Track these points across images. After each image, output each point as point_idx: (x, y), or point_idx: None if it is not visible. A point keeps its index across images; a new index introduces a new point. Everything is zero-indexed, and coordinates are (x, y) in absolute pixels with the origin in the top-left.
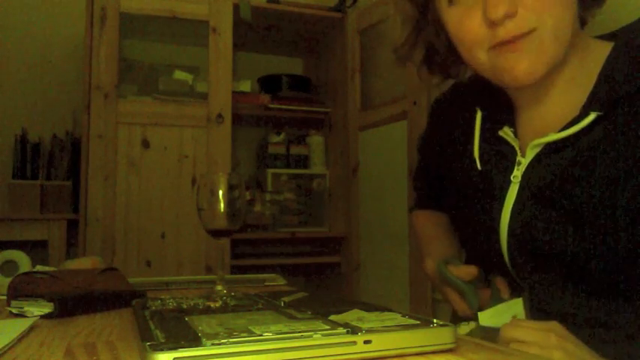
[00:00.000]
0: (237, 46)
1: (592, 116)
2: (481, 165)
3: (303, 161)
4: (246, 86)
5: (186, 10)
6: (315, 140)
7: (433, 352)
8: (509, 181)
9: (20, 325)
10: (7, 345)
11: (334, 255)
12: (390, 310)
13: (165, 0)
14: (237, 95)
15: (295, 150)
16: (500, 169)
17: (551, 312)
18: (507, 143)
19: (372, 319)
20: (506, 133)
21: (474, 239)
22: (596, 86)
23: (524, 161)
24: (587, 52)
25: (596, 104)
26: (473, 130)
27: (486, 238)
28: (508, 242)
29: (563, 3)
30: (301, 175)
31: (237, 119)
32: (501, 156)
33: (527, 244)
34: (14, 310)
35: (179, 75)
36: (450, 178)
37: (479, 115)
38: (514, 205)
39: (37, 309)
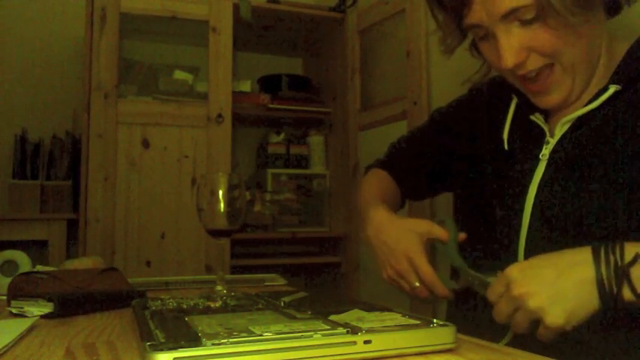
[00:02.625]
0: (237, 46)
1: (611, 90)
2: (508, 145)
3: (303, 161)
4: (246, 86)
5: (186, 10)
6: (315, 140)
7: (433, 352)
8: (538, 160)
9: (20, 325)
10: (7, 345)
11: (334, 255)
12: (390, 310)
13: (165, 0)
14: (237, 95)
15: (295, 150)
16: (529, 150)
17: None
18: (537, 126)
19: (372, 319)
20: (537, 117)
21: (492, 216)
22: (618, 66)
23: (552, 140)
24: (613, 51)
25: (616, 80)
26: (506, 116)
27: (507, 214)
28: (531, 217)
29: (577, 33)
30: (301, 175)
31: (237, 119)
32: (530, 138)
33: (551, 218)
34: (14, 310)
35: (179, 75)
36: (470, 159)
37: (514, 102)
38: (541, 180)
39: (37, 309)
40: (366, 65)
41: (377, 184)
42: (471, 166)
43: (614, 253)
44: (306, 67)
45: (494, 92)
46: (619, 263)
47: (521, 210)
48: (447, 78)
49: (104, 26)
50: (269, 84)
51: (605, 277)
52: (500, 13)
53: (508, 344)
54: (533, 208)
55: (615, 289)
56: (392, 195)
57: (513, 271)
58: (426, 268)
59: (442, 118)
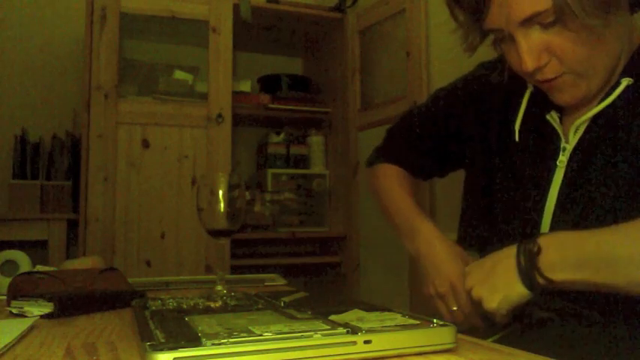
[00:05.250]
0: (237, 46)
1: (624, 83)
2: (519, 137)
3: (303, 161)
4: (246, 86)
5: (186, 10)
6: (315, 140)
7: (433, 352)
8: (555, 166)
9: (20, 325)
10: (7, 345)
11: (334, 255)
12: (390, 310)
13: (165, 0)
14: (237, 95)
15: (295, 150)
16: (545, 154)
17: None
18: (551, 127)
19: (372, 319)
20: (552, 117)
21: (506, 221)
22: (630, 60)
23: (568, 147)
24: (634, 47)
25: (628, 73)
26: (519, 104)
27: (524, 221)
28: (551, 225)
29: (597, 37)
30: (301, 175)
31: (237, 119)
32: (544, 139)
33: (570, 225)
34: (14, 310)
35: (179, 75)
36: (479, 141)
37: (529, 91)
38: (560, 188)
39: (37, 309)
40: (366, 65)
41: (399, 186)
42: (477, 146)
43: (529, 244)
44: (306, 67)
45: (506, 75)
46: (532, 252)
47: (540, 218)
48: (447, 78)
49: (104, 26)
50: (269, 84)
51: (523, 266)
52: (520, 19)
53: (496, 342)
54: (552, 216)
55: (531, 276)
56: (415, 192)
57: (469, 267)
58: (463, 296)
59: (445, 99)
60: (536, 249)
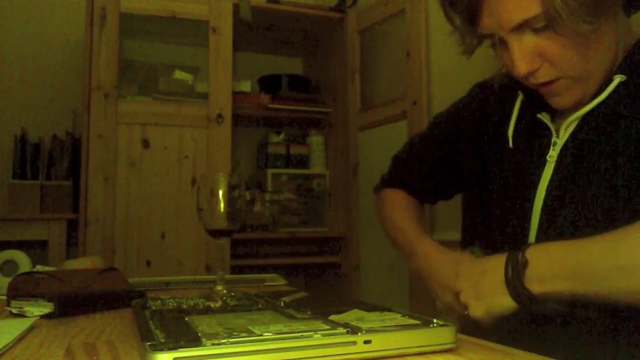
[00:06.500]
0: (237, 46)
1: (616, 80)
2: (513, 144)
3: (303, 161)
4: (246, 86)
5: (186, 10)
6: (315, 140)
7: (433, 352)
8: (545, 161)
9: (20, 325)
10: (7, 345)
11: (334, 255)
12: (390, 310)
13: (165, 0)
14: (237, 95)
15: (295, 150)
16: (536, 150)
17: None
18: (544, 125)
19: (372, 319)
20: (543, 116)
21: (499, 219)
22: (624, 58)
23: (559, 141)
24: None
25: (621, 71)
26: (511, 113)
27: (515, 217)
28: (540, 220)
29: (590, 42)
30: (301, 175)
31: (237, 119)
32: (536, 137)
33: (560, 221)
34: (14, 310)
35: (179, 75)
36: (478, 160)
37: (519, 99)
38: (549, 183)
39: (37, 309)
40: (366, 65)
41: (403, 209)
42: (476, 165)
43: (518, 257)
44: (306, 67)
45: (498, 89)
46: (519, 265)
47: (530, 213)
48: (447, 78)
49: (104, 26)
50: (269, 84)
51: (511, 279)
52: (511, 26)
53: (497, 341)
54: (541, 211)
55: (518, 289)
56: (419, 214)
57: (459, 266)
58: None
59: (444, 122)
60: (523, 262)
